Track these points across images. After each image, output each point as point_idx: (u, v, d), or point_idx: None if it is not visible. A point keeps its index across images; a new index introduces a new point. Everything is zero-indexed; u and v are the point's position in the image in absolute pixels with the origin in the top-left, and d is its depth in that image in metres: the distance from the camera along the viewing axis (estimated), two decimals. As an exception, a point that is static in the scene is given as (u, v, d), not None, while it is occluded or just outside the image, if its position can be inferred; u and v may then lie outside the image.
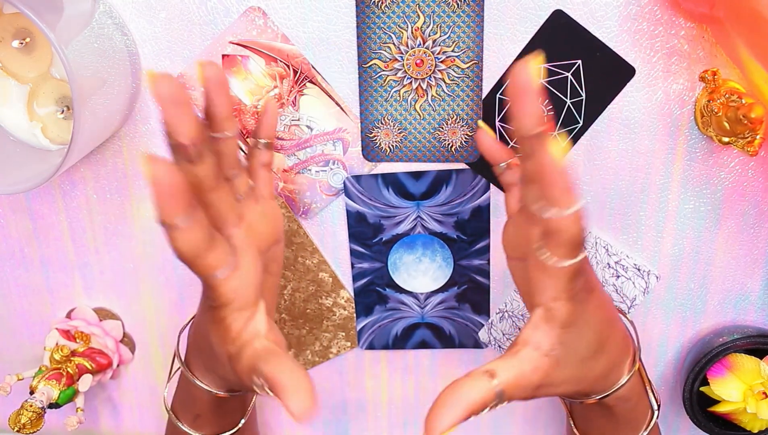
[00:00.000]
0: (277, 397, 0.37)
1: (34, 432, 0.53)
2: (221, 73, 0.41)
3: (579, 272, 0.38)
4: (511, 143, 0.51)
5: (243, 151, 0.52)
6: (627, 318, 0.50)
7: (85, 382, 0.56)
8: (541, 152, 0.35)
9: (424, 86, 0.50)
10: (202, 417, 0.47)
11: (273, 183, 0.51)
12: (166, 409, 0.49)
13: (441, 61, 0.49)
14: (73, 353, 0.57)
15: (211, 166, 0.38)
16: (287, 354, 0.40)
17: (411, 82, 0.50)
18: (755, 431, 0.54)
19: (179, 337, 0.48)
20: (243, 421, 0.49)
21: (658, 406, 0.46)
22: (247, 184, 0.44)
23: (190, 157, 0.37)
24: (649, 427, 0.45)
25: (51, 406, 0.54)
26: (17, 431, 0.52)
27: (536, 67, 0.34)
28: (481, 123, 0.45)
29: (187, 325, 0.49)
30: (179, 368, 0.47)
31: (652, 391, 0.46)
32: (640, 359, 0.45)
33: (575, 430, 0.48)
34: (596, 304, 0.40)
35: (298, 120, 0.52)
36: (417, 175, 0.52)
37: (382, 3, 0.48)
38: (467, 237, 0.54)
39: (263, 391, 0.38)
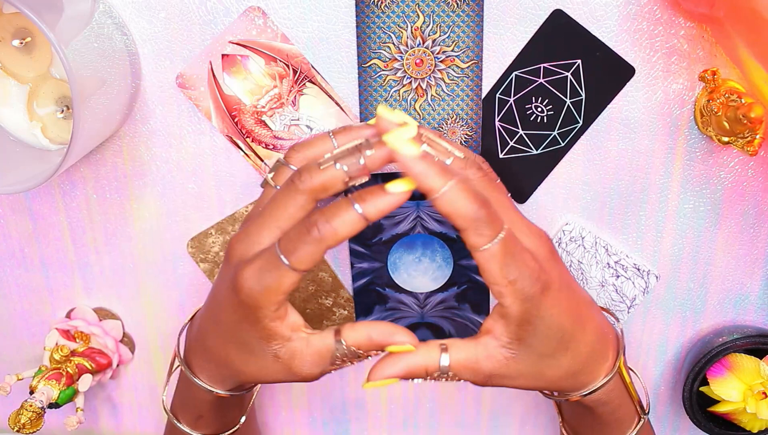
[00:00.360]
0: (383, 349, 0.41)
1: (34, 432, 0.53)
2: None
3: (508, 257, 0.38)
4: (511, 143, 0.51)
5: (242, 150, 0.53)
6: (617, 321, 0.50)
7: (85, 382, 0.56)
8: (380, 151, 0.38)
9: (424, 86, 0.50)
10: (203, 418, 0.47)
11: None
12: (165, 410, 0.49)
13: (441, 61, 0.49)
14: (73, 353, 0.57)
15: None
16: (351, 322, 0.43)
17: (411, 81, 0.50)
18: (755, 431, 0.54)
19: (179, 337, 0.48)
20: (243, 419, 0.49)
21: (646, 412, 0.46)
22: None
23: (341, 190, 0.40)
24: (636, 430, 0.45)
25: (51, 406, 0.54)
26: (17, 431, 0.52)
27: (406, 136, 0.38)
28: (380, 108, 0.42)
29: (186, 325, 0.48)
30: (178, 367, 0.47)
31: (635, 397, 0.45)
32: (625, 364, 0.45)
33: (563, 428, 0.48)
34: (555, 302, 0.40)
35: (298, 120, 0.52)
36: (417, 175, 0.52)
37: (382, 3, 0.48)
38: (467, 237, 0.54)
39: (356, 360, 0.42)
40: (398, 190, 0.37)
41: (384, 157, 0.38)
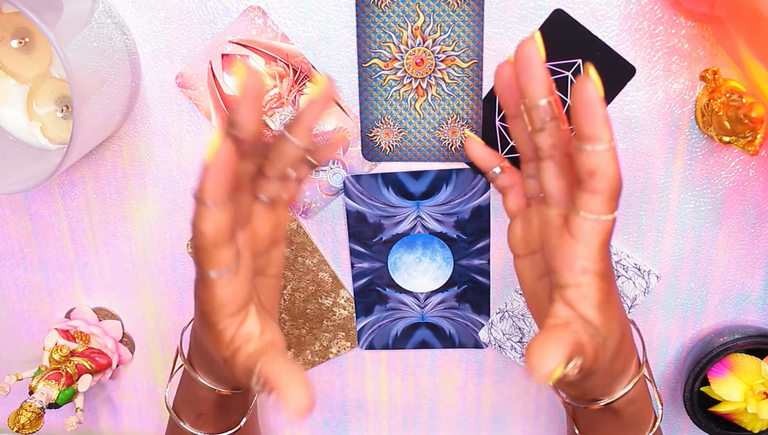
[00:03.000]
0: (275, 396, 0.37)
1: (34, 432, 0.53)
2: (330, 92, 0.40)
3: (608, 240, 0.37)
4: (511, 143, 0.51)
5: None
6: (628, 318, 0.50)
7: (85, 382, 0.55)
8: (578, 85, 0.35)
9: (424, 85, 0.50)
10: (204, 416, 0.47)
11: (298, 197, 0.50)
12: (168, 408, 0.49)
13: (441, 61, 0.49)
14: (73, 353, 0.56)
15: (252, 166, 0.40)
16: (283, 353, 0.40)
17: (411, 81, 0.50)
18: (756, 431, 0.54)
19: (182, 335, 0.48)
20: (244, 419, 0.49)
21: (662, 405, 0.46)
22: (278, 192, 0.43)
23: (242, 153, 0.38)
24: (654, 429, 0.45)
25: (50, 406, 0.54)
26: (16, 431, 0.52)
27: (539, 41, 0.35)
28: (467, 132, 0.45)
29: (189, 324, 0.48)
30: (181, 366, 0.47)
31: (656, 391, 0.45)
32: (646, 360, 0.44)
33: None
34: (617, 292, 0.40)
35: (298, 119, 0.52)
36: (417, 175, 0.52)
37: (382, 2, 0.48)
38: (467, 237, 0.54)
39: (262, 391, 0.38)
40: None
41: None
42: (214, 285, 0.38)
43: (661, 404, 0.45)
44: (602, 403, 0.42)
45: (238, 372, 0.39)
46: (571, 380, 0.38)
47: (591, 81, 0.35)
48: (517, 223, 0.44)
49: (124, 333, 0.60)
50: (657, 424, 0.45)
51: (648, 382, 0.45)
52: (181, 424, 0.48)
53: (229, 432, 0.48)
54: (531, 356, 0.35)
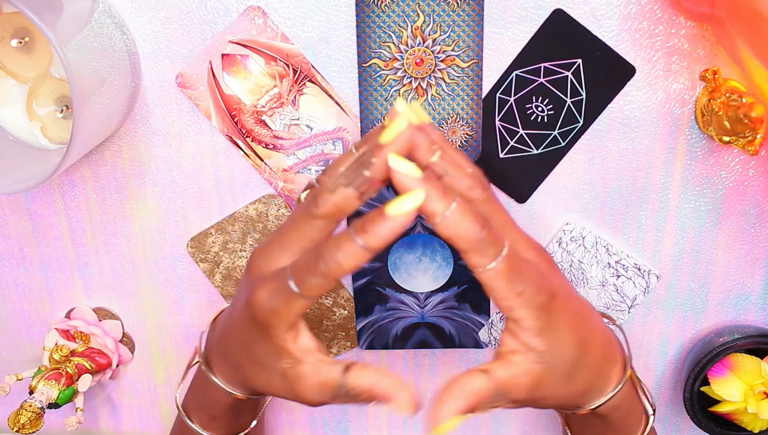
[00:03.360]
0: (382, 403, 0.40)
1: (34, 432, 0.53)
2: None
3: (515, 276, 0.38)
4: (512, 143, 0.51)
5: (242, 150, 0.52)
6: (615, 324, 0.50)
7: (85, 382, 0.55)
8: (394, 172, 0.37)
9: (424, 85, 0.50)
10: (217, 419, 0.47)
11: None
12: (178, 408, 0.48)
13: (441, 61, 0.49)
14: (73, 353, 0.56)
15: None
16: (365, 363, 0.41)
17: (411, 81, 0.50)
18: (756, 431, 0.54)
19: (201, 337, 0.48)
20: (254, 423, 0.49)
21: (654, 410, 0.46)
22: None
23: (368, 193, 0.39)
24: (646, 431, 0.45)
25: (50, 406, 0.54)
26: (16, 431, 0.52)
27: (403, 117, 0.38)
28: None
29: (209, 325, 0.48)
30: (196, 362, 0.47)
31: (646, 397, 0.45)
32: (631, 366, 0.44)
33: None
34: (564, 308, 0.40)
35: (298, 119, 0.52)
36: (417, 175, 0.52)
37: (382, 2, 0.48)
38: (467, 237, 0.54)
39: (357, 402, 0.40)
40: (398, 212, 0.36)
41: (386, 165, 0.37)
42: (296, 300, 0.39)
43: (652, 406, 0.46)
44: (588, 408, 0.43)
45: (306, 386, 0.40)
46: (512, 406, 0.40)
47: (390, 163, 0.37)
48: None
49: (124, 333, 0.60)
50: (648, 427, 0.45)
51: (636, 386, 0.45)
52: (192, 425, 0.47)
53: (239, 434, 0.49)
54: (432, 410, 0.39)
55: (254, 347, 0.41)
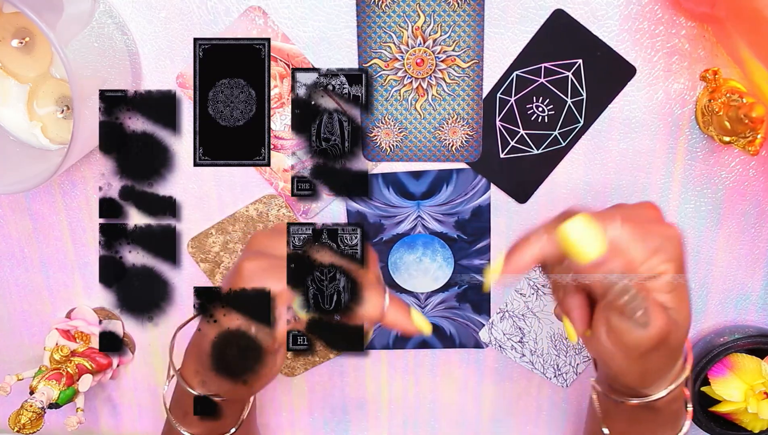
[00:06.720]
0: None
1: (34, 432, 0.53)
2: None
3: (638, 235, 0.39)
4: (512, 143, 0.51)
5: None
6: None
7: (85, 382, 0.55)
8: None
9: (425, 85, 0.50)
10: (189, 415, 0.47)
11: None
12: (165, 407, 0.49)
13: (441, 61, 0.49)
14: (73, 353, 0.56)
15: None
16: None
17: (411, 81, 0.50)
18: (756, 431, 0.54)
19: (174, 335, 0.48)
20: (233, 430, 0.49)
21: (691, 405, 0.45)
22: None
23: None
24: (684, 426, 0.45)
25: (51, 406, 0.54)
26: (17, 431, 0.52)
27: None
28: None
29: (181, 326, 0.48)
30: (174, 376, 0.47)
31: (690, 385, 0.45)
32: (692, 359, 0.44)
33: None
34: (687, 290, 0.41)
35: (299, 119, 0.52)
36: (417, 175, 0.52)
37: (383, 2, 0.48)
38: (468, 237, 0.54)
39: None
40: None
41: None
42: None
43: (690, 402, 0.45)
44: (654, 397, 0.42)
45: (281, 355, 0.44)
46: (645, 350, 0.40)
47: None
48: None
49: (124, 333, 0.60)
50: (687, 421, 0.45)
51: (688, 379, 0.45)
52: (171, 417, 0.48)
53: None
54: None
55: None
